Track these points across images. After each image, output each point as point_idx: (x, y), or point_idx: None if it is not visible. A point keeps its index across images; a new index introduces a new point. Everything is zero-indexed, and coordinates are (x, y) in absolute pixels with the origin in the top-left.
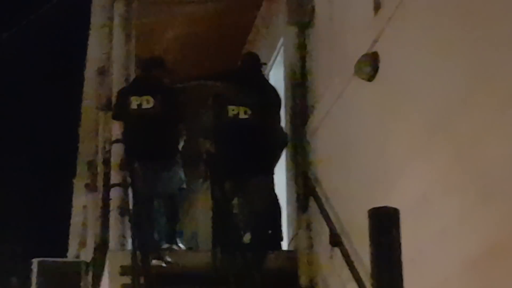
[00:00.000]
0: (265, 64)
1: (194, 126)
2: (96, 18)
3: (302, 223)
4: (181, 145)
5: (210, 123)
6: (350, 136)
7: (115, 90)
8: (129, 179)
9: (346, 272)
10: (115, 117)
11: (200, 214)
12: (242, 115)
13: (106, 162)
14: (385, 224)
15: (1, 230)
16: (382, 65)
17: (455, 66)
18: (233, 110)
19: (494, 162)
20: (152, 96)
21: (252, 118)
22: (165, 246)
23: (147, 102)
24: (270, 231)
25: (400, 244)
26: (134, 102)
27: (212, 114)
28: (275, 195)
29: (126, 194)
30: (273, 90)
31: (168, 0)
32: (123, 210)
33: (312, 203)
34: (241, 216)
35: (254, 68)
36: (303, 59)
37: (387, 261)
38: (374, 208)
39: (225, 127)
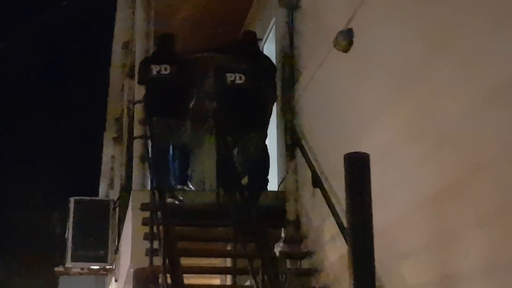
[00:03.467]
0: (260, 39)
1: (202, 89)
2: (122, 1)
3: (290, 168)
4: (191, 105)
5: (213, 88)
6: (329, 96)
7: (137, 60)
8: (148, 133)
9: (325, 208)
10: (139, 82)
11: (206, 161)
12: (238, 81)
13: (130, 119)
14: (358, 166)
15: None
16: (356, 39)
17: (416, 37)
18: (230, 76)
19: (448, 116)
20: (169, 64)
21: (246, 82)
22: (178, 187)
23: (165, 69)
24: (262, 175)
25: (370, 183)
26: (154, 69)
27: (214, 80)
28: (266, 146)
29: (146, 145)
30: (267, 59)
31: None
32: (143, 157)
33: (298, 152)
34: (240, 163)
35: (251, 43)
36: (291, 35)
37: (359, 198)
38: (349, 153)
39: (224, 91)
